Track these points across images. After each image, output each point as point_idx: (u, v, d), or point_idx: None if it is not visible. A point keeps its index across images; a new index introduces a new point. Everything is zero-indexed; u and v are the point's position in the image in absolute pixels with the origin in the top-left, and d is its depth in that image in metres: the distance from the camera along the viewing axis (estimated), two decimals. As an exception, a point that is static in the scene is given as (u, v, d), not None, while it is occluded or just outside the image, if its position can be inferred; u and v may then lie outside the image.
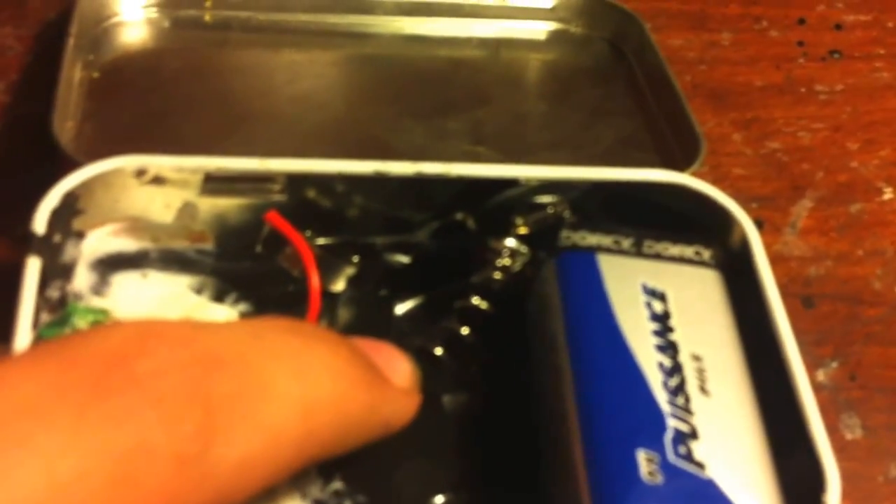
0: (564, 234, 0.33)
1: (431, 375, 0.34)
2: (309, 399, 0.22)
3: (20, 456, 0.17)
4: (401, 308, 0.36)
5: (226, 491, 0.20)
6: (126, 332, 0.21)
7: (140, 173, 0.33)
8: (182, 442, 0.19)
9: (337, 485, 0.31)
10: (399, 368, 0.27)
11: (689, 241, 0.34)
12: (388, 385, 0.26)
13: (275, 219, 0.33)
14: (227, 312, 0.34)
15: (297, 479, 0.31)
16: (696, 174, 0.38)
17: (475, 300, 0.34)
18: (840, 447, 0.38)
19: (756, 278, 0.33)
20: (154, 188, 0.34)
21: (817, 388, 0.40)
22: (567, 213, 0.35)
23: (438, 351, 0.34)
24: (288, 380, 0.22)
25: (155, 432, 0.19)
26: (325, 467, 0.31)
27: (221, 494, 0.20)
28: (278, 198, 0.34)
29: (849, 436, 0.39)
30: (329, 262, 0.35)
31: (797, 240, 0.46)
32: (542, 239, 0.34)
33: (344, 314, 0.35)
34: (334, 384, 0.23)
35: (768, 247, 0.43)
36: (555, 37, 0.53)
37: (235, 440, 0.20)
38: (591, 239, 0.33)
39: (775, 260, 0.43)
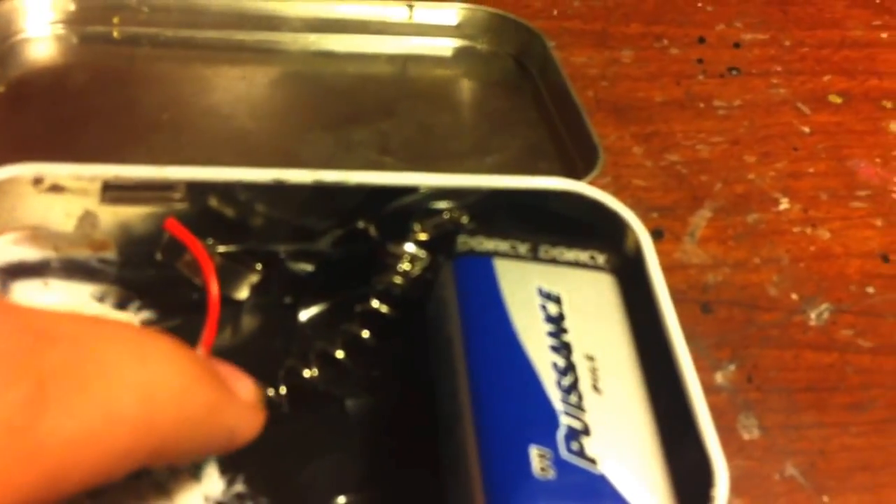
0: (462, 239, 0.34)
1: (334, 378, 0.34)
2: (149, 386, 0.22)
3: None
4: (304, 314, 0.36)
5: (58, 469, 0.19)
6: None
7: (37, 181, 0.33)
8: (10, 410, 0.18)
9: (239, 487, 0.32)
10: (242, 383, 0.27)
11: (584, 247, 0.34)
12: (231, 392, 0.26)
13: (173, 226, 0.32)
14: (130, 320, 0.34)
15: (198, 480, 0.31)
16: (597, 185, 0.39)
17: (376, 304, 0.35)
18: (738, 447, 0.39)
19: (649, 283, 0.34)
20: (53, 196, 0.33)
21: (716, 389, 0.41)
22: (465, 219, 0.35)
23: (340, 354, 0.34)
24: (127, 363, 0.21)
25: None
26: (227, 468, 0.32)
27: (53, 472, 0.19)
28: (180, 206, 0.34)
29: (746, 436, 0.40)
30: (232, 270, 0.35)
31: (696, 248, 0.47)
32: (442, 244, 0.35)
33: (248, 322, 0.36)
34: (176, 376, 0.23)
35: (668, 255, 0.45)
36: (461, 53, 0.54)
37: (69, 413, 0.19)
38: (488, 244, 0.34)
39: (675, 267, 0.44)
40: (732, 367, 0.42)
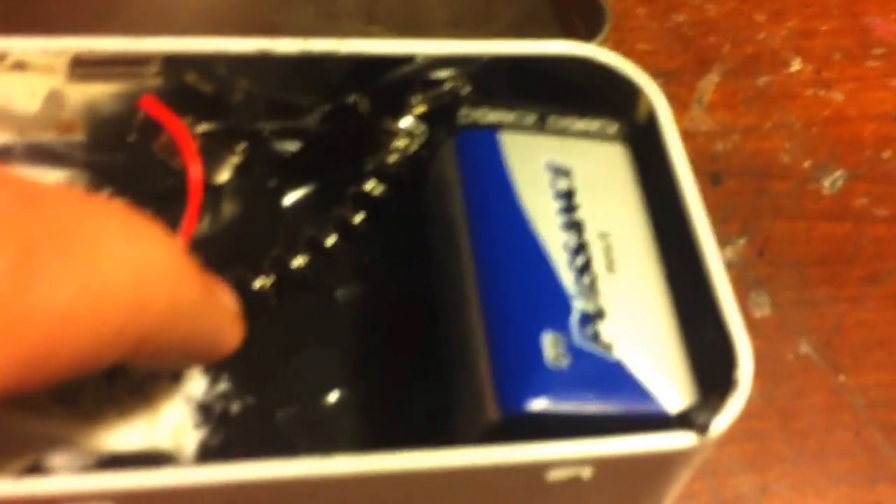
0: (464, 111, 0.31)
1: (324, 267, 0.32)
2: (139, 264, 0.20)
3: None
4: (290, 198, 0.34)
5: (45, 343, 0.18)
6: None
7: (-1, 58, 0.31)
8: None
9: (223, 385, 0.30)
10: (224, 290, 0.26)
11: (594, 116, 0.32)
12: (216, 294, 0.25)
13: (149, 104, 0.31)
14: None
15: (178, 381, 0.30)
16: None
17: (369, 185, 0.32)
18: (749, 325, 0.37)
19: (664, 152, 0.32)
20: (16, 75, 0.31)
21: (725, 265, 0.39)
22: (466, 90, 0.33)
23: (330, 241, 0.32)
24: (117, 239, 0.20)
25: None
26: (209, 367, 0.30)
27: (40, 347, 0.18)
28: (154, 82, 0.32)
29: (757, 313, 0.39)
30: (212, 151, 0.33)
31: (704, 115, 0.45)
32: (441, 118, 0.32)
33: (228, 207, 0.33)
34: (167, 259, 0.21)
35: (675, 123, 0.42)
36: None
37: (57, 283, 0.18)
38: (493, 116, 0.31)
39: (681, 136, 0.42)
40: (742, 242, 0.41)
